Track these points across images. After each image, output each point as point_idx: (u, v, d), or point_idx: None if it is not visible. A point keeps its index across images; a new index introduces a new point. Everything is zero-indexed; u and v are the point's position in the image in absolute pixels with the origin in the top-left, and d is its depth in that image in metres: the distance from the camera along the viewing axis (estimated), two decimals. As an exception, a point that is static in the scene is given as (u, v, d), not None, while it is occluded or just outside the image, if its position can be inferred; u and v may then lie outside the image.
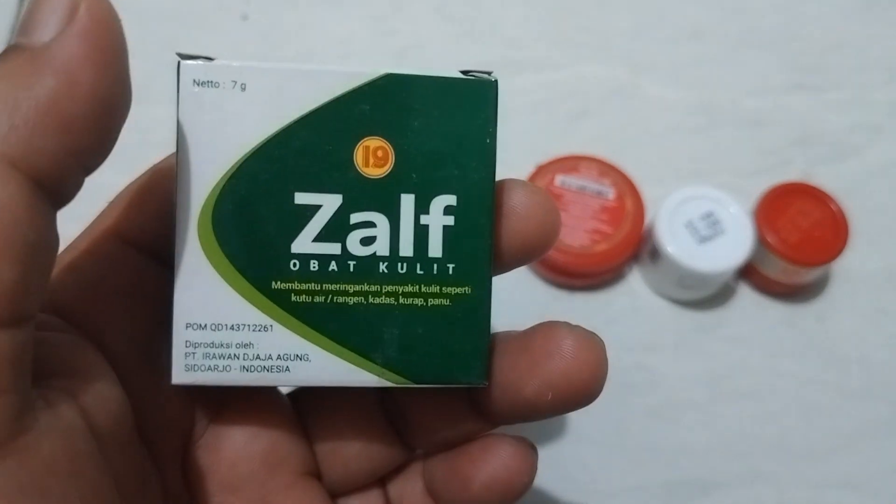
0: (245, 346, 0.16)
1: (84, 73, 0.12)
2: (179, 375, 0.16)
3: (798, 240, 0.35)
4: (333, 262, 0.16)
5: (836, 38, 0.44)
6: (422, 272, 0.16)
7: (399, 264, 0.16)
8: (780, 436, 0.34)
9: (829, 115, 0.42)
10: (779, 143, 0.41)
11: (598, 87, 0.42)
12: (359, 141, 0.16)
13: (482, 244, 0.16)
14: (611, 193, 0.36)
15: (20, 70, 0.12)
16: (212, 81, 0.15)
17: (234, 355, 0.16)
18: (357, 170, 0.16)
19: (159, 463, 0.17)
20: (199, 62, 0.15)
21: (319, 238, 0.16)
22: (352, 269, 0.16)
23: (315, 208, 0.16)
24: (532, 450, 0.19)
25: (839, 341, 0.36)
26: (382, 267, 0.16)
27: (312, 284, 0.16)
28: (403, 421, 0.19)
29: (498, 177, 0.17)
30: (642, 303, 0.37)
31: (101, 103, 0.12)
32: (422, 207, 0.16)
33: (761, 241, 0.35)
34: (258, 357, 0.16)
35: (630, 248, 0.36)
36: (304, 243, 0.16)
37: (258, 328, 0.16)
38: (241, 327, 0.16)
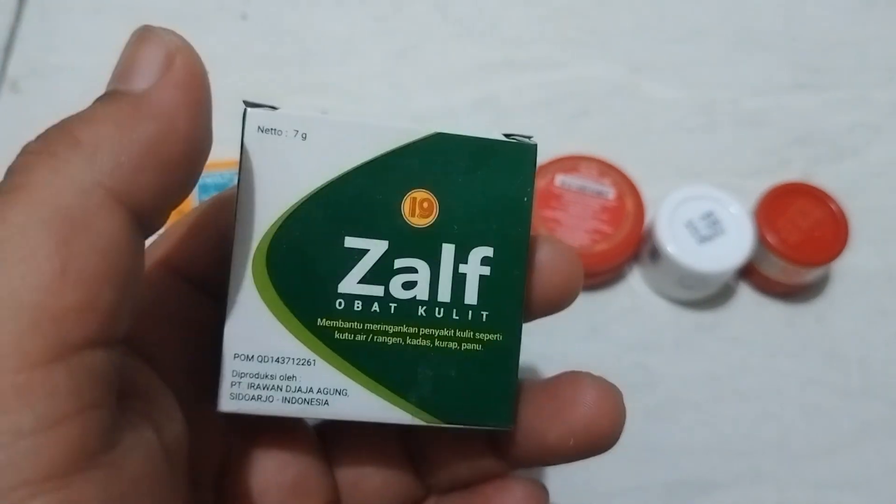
0: (288, 378, 0.17)
1: (180, 119, 0.13)
2: (226, 403, 0.17)
3: (798, 240, 0.35)
4: (376, 304, 0.17)
5: (836, 38, 0.44)
6: (457, 317, 0.17)
7: (437, 309, 0.17)
8: (780, 436, 0.34)
9: (829, 115, 0.42)
10: (779, 143, 0.41)
11: (599, 86, 0.42)
12: (407, 192, 0.17)
13: (515, 294, 0.17)
14: (611, 193, 0.36)
15: (123, 114, 0.13)
16: (275, 129, 0.16)
17: (278, 387, 0.17)
18: (404, 219, 0.17)
19: (198, 487, 0.18)
20: (265, 110, 0.16)
21: (365, 280, 0.17)
22: (392, 311, 0.17)
23: (363, 252, 0.17)
24: (544, 492, 0.20)
25: (839, 341, 0.36)
26: (421, 310, 0.17)
27: (355, 323, 0.17)
28: (423, 458, 0.20)
29: None
30: (642, 302, 0.37)
31: (193, 146, 0.14)
32: (461, 257, 0.17)
33: (761, 241, 0.35)
34: (300, 389, 0.17)
35: (630, 247, 0.36)
36: (350, 284, 0.17)
37: (302, 362, 0.17)
38: (286, 360, 0.17)
